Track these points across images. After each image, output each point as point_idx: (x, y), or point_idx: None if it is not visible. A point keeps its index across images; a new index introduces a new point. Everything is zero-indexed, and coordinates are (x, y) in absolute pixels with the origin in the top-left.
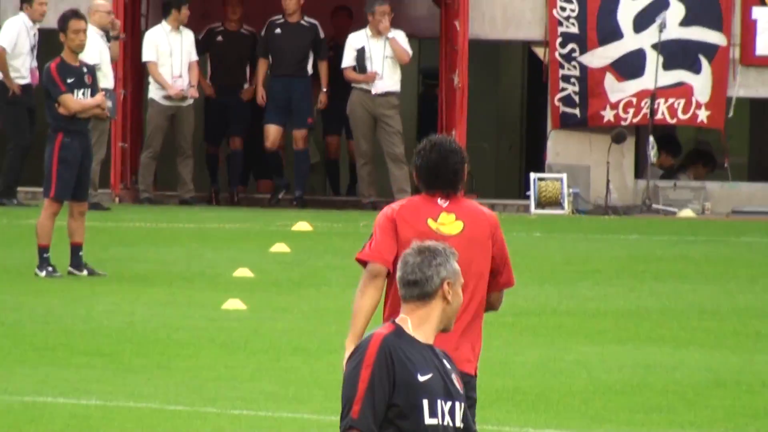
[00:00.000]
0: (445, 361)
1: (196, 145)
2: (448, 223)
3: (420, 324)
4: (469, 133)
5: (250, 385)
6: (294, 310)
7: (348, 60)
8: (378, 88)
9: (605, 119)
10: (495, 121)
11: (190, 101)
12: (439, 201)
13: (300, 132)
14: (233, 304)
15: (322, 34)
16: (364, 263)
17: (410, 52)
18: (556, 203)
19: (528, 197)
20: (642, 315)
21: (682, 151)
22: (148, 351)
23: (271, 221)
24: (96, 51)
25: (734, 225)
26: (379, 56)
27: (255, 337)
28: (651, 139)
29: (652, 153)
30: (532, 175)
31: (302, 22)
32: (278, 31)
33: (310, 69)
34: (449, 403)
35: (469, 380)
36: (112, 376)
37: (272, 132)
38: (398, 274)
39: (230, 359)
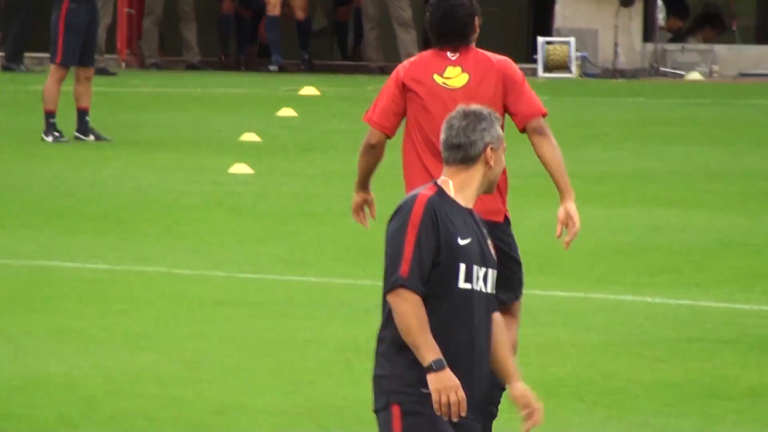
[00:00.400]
0: (482, 227)
1: (199, 9)
2: (453, 77)
3: (462, 188)
4: None
5: (257, 249)
6: (301, 174)
7: None
8: None
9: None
10: None
11: None
12: (449, 54)
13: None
14: (240, 168)
15: None
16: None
17: None
18: (564, 67)
19: (535, 61)
20: (649, 177)
21: (690, 14)
22: (155, 215)
23: (278, 86)
24: None
25: (742, 87)
26: None
27: (262, 200)
28: (659, 1)
29: (661, 16)
30: (540, 39)
31: None
32: None
33: None
34: (484, 270)
35: (498, 226)
36: (119, 240)
37: None
38: (442, 136)
39: (237, 223)
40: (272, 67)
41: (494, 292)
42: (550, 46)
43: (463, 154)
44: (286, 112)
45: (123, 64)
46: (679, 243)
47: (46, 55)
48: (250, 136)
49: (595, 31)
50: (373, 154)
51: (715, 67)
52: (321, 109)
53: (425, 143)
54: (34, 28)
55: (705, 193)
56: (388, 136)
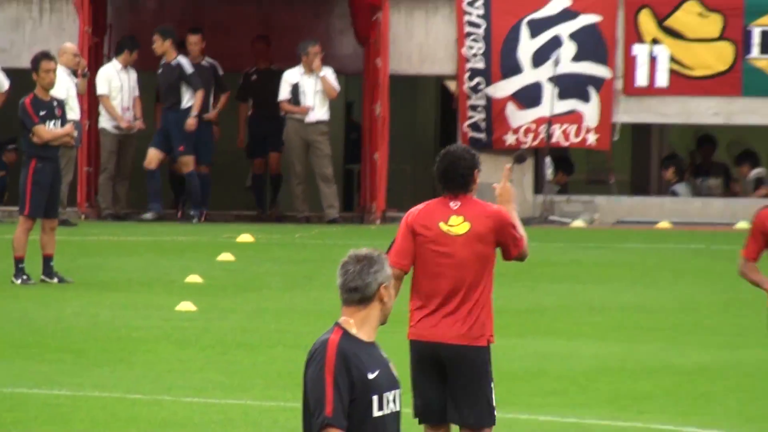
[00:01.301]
0: (383, 353)
1: (133, 169)
2: (456, 225)
3: (362, 325)
4: (390, 156)
5: (200, 376)
6: (238, 310)
7: (284, 94)
8: (310, 117)
9: (507, 143)
10: (413, 145)
11: (134, 131)
12: (451, 204)
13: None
14: (185, 306)
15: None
16: None
17: (338, 87)
18: None
19: None
20: (540, 312)
21: (575, 170)
22: (111, 347)
23: (219, 234)
24: (64, 87)
25: (619, 233)
26: (311, 91)
27: (204, 334)
28: (548, 159)
29: (549, 172)
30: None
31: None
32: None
33: (186, 103)
34: (393, 392)
35: (477, 352)
36: (80, 369)
37: (152, 154)
38: (339, 281)
39: (183, 354)
40: (194, 220)
41: (400, 408)
42: None
43: (360, 296)
44: (225, 256)
45: (82, 216)
46: (566, 368)
47: (16, 208)
48: (194, 278)
49: (491, 184)
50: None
51: (596, 216)
52: (255, 254)
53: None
54: (5, 186)
55: (587, 325)
56: (405, 272)
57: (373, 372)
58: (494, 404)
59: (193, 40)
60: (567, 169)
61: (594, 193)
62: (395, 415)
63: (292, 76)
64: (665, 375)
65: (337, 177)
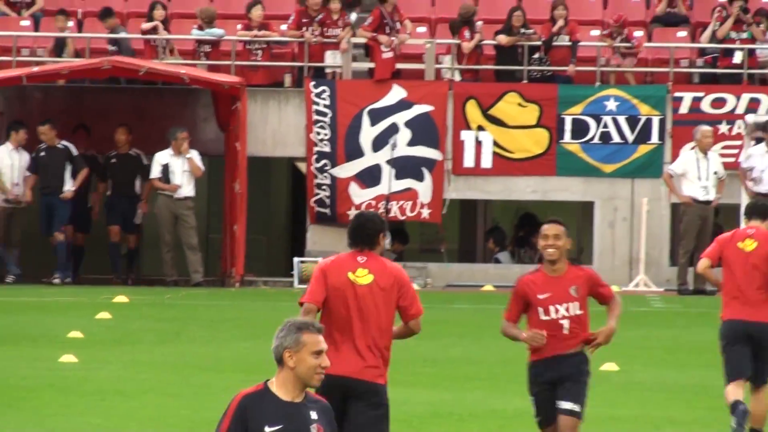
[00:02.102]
0: (312, 413)
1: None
2: (362, 276)
3: (280, 384)
4: (248, 228)
5: (81, 420)
6: (115, 362)
7: (155, 173)
8: (179, 194)
9: (350, 217)
10: (267, 218)
11: (23, 204)
12: (359, 258)
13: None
14: (67, 358)
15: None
16: (302, 304)
17: (203, 167)
18: None
19: (292, 275)
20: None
21: (409, 240)
22: (1, 394)
23: (97, 295)
24: None
25: (449, 295)
26: (179, 170)
27: (84, 382)
28: (387, 232)
29: (387, 241)
30: (296, 259)
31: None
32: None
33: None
34: None
35: (378, 388)
36: None
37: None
38: None
39: (65, 400)
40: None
41: None
42: (304, 264)
43: (274, 357)
44: (103, 315)
45: None
46: (402, 413)
47: None
48: (75, 334)
49: (338, 252)
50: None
51: (429, 280)
52: (130, 312)
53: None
54: None
55: (421, 375)
56: (318, 308)
57: (272, 426)
58: None
59: (43, 130)
60: (403, 240)
61: (427, 261)
62: None
63: (162, 157)
64: (490, 418)
65: (201, 245)
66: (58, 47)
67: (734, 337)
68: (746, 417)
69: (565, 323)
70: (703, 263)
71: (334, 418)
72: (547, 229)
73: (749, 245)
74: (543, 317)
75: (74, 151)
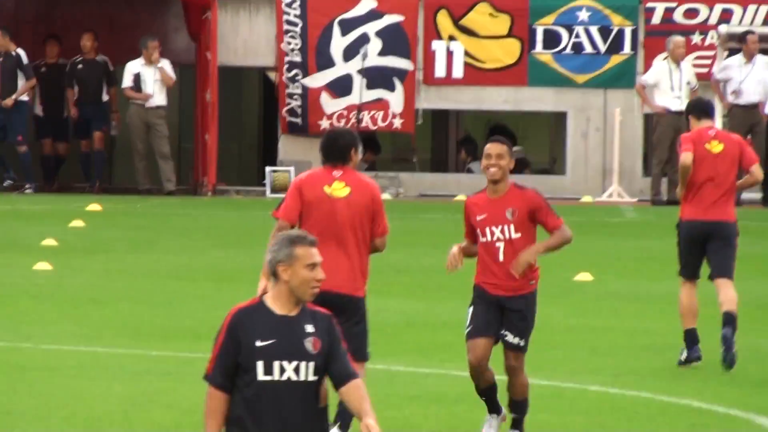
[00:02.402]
0: (308, 326)
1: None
2: (338, 189)
3: (274, 298)
4: (220, 137)
5: (56, 327)
6: (89, 270)
7: (127, 82)
8: (150, 103)
9: (322, 127)
10: (239, 127)
11: None
12: (334, 172)
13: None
14: (42, 265)
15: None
16: (276, 218)
17: (174, 76)
18: (286, 189)
19: (264, 185)
20: None
21: (381, 150)
22: None
23: (71, 203)
24: None
25: (421, 205)
26: (150, 79)
27: (58, 290)
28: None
29: (359, 152)
30: (268, 168)
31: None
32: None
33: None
34: (295, 363)
35: (357, 301)
36: None
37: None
38: None
39: (40, 307)
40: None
41: (315, 379)
42: (276, 173)
43: (269, 270)
44: (77, 223)
45: None
46: (377, 322)
47: None
48: (49, 242)
49: (309, 162)
50: None
51: (401, 190)
52: (103, 221)
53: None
54: None
55: (394, 285)
56: (293, 225)
57: (265, 340)
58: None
59: None
60: (375, 149)
61: (399, 170)
62: (293, 384)
63: (134, 66)
64: (462, 327)
65: (173, 155)
66: None
67: (693, 237)
68: (695, 363)
69: (500, 246)
70: (687, 156)
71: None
72: (490, 148)
73: (716, 147)
74: (481, 239)
75: (24, 59)
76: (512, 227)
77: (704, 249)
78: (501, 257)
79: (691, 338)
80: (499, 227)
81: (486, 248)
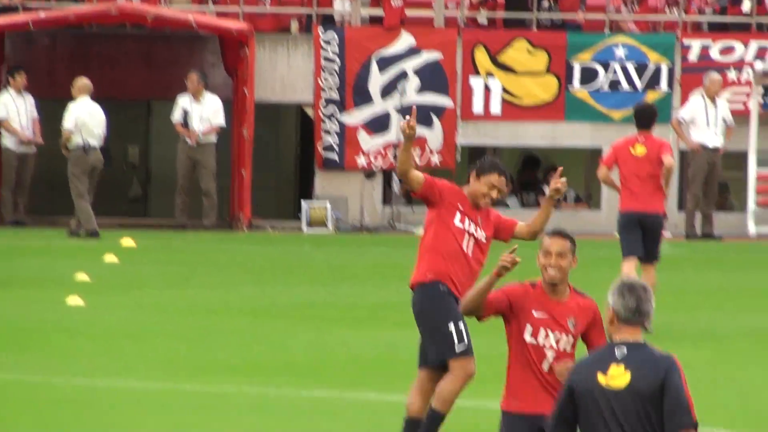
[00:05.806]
0: None
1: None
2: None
3: None
4: (255, 172)
5: (88, 362)
6: (123, 305)
7: (177, 117)
8: (199, 140)
9: (359, 164)
10: (276, 163)
11: (34, 148)
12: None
13: None
14: (75, 301)
15: None
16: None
17: (219, 123)
18: (323, 224)
19: (300, 219)
20: (389, 307)
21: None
22: (9, 336)
23: (105, 239)
24: None
25: None
26: (197, 116)
27: (92, 325)
28: (394, 174)
29: (397, 187)
30: (304, 203)
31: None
32: None
33: None
34: None
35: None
36: None
37: None
38: (631, 302)
39: (73, 342)
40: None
41: None
42: (312, 208)
43: (644, 320)
44: (110, 258)
45: None
46: (412, 355)
47: None
48: (82, 277)
49: (345, 197)
50: None
51: None
52: (137, 257)
53: None
54: None
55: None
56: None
57: None
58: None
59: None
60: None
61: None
62: None
63: (183, 101)
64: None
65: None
66: None
67: (628, 224)
68: None
69: (550, 355)
70: (603, 171)
71: None
72: (551, 244)
73: (639, 150)
74: (529, 339)
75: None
76: (570, 339)
77: (641, 233)
78: (546, 367)
79: None
80: (555, 333)
81: (531, 351)
